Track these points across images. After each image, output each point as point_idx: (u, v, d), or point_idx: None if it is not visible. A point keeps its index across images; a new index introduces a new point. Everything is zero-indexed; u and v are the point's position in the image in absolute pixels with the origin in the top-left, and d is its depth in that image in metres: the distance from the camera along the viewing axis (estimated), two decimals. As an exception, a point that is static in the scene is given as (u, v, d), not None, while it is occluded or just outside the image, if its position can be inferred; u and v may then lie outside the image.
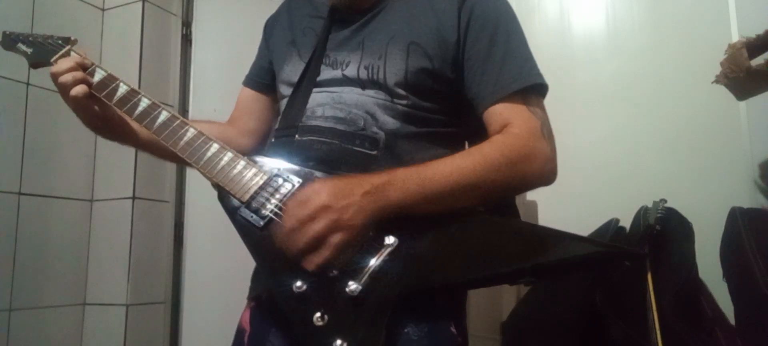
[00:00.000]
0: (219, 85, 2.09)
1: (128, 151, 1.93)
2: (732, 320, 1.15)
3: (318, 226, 0.78)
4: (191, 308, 2.03)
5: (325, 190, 0.80)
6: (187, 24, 2.18)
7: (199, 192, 2.04)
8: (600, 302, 1.17)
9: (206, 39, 2.17)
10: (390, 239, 0.82)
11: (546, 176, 0.89)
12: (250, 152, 1.16)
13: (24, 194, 1.79)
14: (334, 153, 0.91)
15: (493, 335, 1.52)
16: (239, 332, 0.98)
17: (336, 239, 0.79)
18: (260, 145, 1.18)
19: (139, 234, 1.94)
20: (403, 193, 0.81)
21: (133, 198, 1.93)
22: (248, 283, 1.01)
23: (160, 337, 1.99)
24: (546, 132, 0.90)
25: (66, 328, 1.89)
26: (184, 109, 2.12)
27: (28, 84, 1.80)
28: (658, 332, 1.09)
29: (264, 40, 1.20)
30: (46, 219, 1.85)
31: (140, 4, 2.03)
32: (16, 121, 1.80)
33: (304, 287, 0.81)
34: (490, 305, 1.60)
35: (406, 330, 0.83)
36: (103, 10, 2.10)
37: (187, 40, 2.18)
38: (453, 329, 0.87)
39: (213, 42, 2.16)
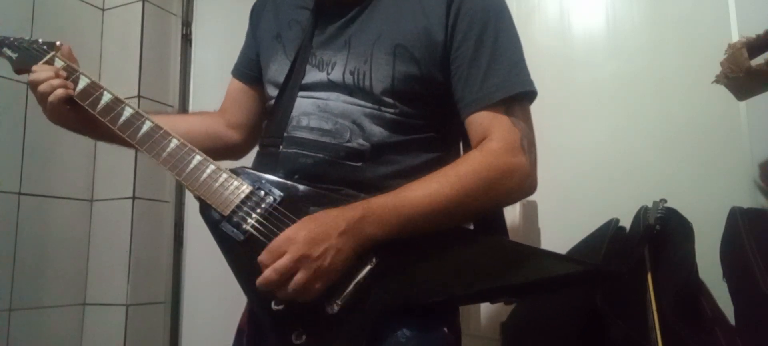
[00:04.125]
0: (219, 85, 2.05)
1: (128, 151, 1.93)
2: (732, 320, 1.15)
3: (299, 277, 0.77)
4: (191, 308, 2.03)
5: (300, 238, 0.78)
6: (187, 24, 2.18)
7: (199, 192, 2.04)
8: (600, 302, 1.17)
9: (206, 39, 2.17)
10: (369, 258, 0.81)
11: (524, 191, 0.88)
12: (240, 145, 1.16)
13: (24, 194, 1.79)
14: (319, 167, 0.90)
15: (493, 335, 1.52)
16: (239, 332, 0.98)
17: (318, 285, 0.78)
18: (249, 138, 1.17)
19: (139, 234, 1.94)
20: (379, 227, 0.81)
21: (133, 198, 1.93)
22: (248, 283, 1.01)
23: (160, 337, 1.99)
24: (526, 144, 0.87)
25: (66, 328, 1.89)
26: (184, 109, 2.12)
27: (28, 84, 1.80)
28: (658, 332, 1.08)
29: (251, 29, 1.17)
30: (46, 219, 1.85)
31: (140, 4, 2.03)
32: (16, 121, 1.80)
33: (282, 306, 0.80)
34: (490, 305, 1.59)
35: (396, 333, 0.82)
36: (103, 10, 2.10)
37: (187, 40, 2.18)
38: (445, 329, 0.87)
39: (213, 42, 2.16)
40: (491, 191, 0.84)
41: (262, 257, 0.79)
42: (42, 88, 0.99)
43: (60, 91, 0.99)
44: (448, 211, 0.82)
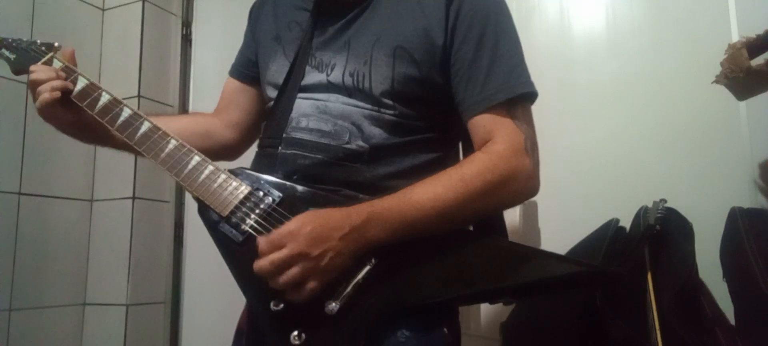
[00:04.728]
0: (219, 85, 2.05)
1: (128, 151, 1.93)
2: (732, 320, 1.15)
3: (293, 272, 0.77)
4: (191, 308, 2.03)
5: (302, 235, 0.78)
6: (187, 24, 2.18)
7: (199, 192, 2.04)
8: (600, 302, 1.17)
9: (206, 39, 2.17)
10: (368, 259, 0.81)
11: (527, 193, 0.88)
12: (235, 145, 1.16)
13: (24, 194, 1.79)
14: (318, 168, 0.90)
15: (493, 335, 1.52)
16: (238, 332, 0.98)
17: (311, 285, 0.78)
18: (245, 138, 1.17)
19: (139, 234, 1.94)
20: (382, 230, 0.81)
21: (133, 198, 1.93)
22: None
23: (160, 337, 1.99)
24: (529, 146, 0.87)
25: (66, 328, 1.89)
26: (184, 109, 2.12)
27: (27, 84, 1.80)
28: (658, 332, 1.08)
29: (249, 29, 1.17)
30: (46, 219, 1.85)
31: (140, 4, 2.03)
32: (16, 121, 1.80)
33: (282, 306, 0.80)
34: (490, 305, 1.59)
35: (396, 333, 0.82)
36: (103, 10, 2.10)
37: (187, 40, 2.18)
38: (445, 330, 0.87)
39: (213, 42, 2.16)
40: (496, 193, 0.84)
41: (262, 245, 0.79)
42: (41, 88, 0.99)
43: (58, 92, 0.98)
44: (453, 214, 0.82)
